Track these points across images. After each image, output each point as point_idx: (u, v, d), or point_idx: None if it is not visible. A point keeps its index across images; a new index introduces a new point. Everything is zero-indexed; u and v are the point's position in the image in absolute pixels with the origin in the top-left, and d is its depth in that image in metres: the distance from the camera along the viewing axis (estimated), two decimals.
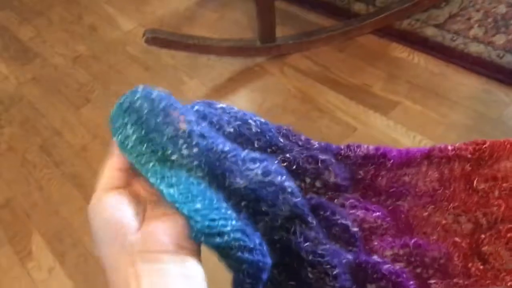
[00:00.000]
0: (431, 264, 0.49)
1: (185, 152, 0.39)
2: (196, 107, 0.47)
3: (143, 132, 0.39)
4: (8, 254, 1.21)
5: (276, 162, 0.45)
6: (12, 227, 1.27)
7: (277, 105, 1.37)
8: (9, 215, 1.30)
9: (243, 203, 0.40)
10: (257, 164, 0.41)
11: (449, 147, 0.55)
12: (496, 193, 0.54)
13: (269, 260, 0.39)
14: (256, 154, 0.43)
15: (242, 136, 0.48)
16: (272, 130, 0.52)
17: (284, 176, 0.43)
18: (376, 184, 0.54)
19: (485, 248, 0.51)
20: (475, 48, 1.32)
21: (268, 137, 0.50)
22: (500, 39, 1.32)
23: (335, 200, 0.52)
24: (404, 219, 0.53)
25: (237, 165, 0.41)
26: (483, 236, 0.51)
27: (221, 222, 0.36)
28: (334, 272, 0.43)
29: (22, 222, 1.27)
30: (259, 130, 0.49)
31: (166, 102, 0.41)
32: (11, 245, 1.23)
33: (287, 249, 0.44)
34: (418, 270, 0.49)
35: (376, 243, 0.50)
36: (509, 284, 0.48)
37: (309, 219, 0.45)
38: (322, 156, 0.52)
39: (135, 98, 0.41)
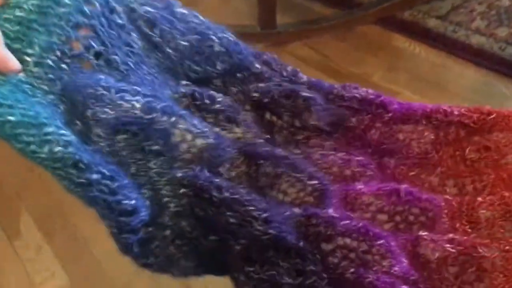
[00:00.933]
0: (418, 217, 0.44)
1: (49, 62, 0.37)
2: (146, 8, 0.41)
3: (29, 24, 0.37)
4: None
5: (171, 100, 0.40)
6: (1, 206, 1.25)
7: None
8: None
9: (118, 137, 0.37)
10: (137, 97, 0.37)
11: (455, 112, 0.50)
12: (483, 163, 0.51)
13: (125, 198, 0.35)
14: (143, 89, 0.38)
15: (200, 54, 0.43)
16: (244, 51, 0.46)
17: (176, 118, 0.38)
18: (367, 137, 0.48)
19: (482, 212, 0.47)
20: (477, 40, 1.30)
21: (237, 59, 0.45)
22: (502, 32, 1.31)
23: (311, 140, 0.46)
24: (390, 174, 0.48)
25: (110, 94, 0.37)
26: (480, 199, 0.47)
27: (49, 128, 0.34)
28: (264, 215, 0.37)
29: (12, 201, 1.25)
30: (223, 50, 0.44)
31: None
32: None
33: (197, 196, 0.38)
34: (402, 226, 0.44)
35: (359, 187, 0.44)
36: (506, 248, 0.46)
37: (224, 167, 0.40)
38: (305, 93, 0.46)
39: None
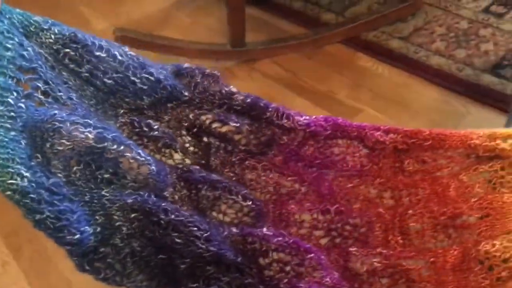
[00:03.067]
0: (351, 233, 0.48)
1: (10, 101, 0.39)
2: (68, 51, 0.44)
3: None
4: None
5: (117, 130, 0.43)
6: None
7: None
8: None
9: (74, 168, 0.41)
10: (89, 129, 0.41)
11: (389, 139, 0.53)
12: (420, 176, 0.53)
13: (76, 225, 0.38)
14: (93, 121, 0.41)
15: (126, 89, 0.46)
16: (172, 83, 0.48)
17: (123, 147, 0.42)
18: (301, 152, 0.51)
19: (412, 224, 0.50)
20: (436, 61, 1.36)
21: (165, 92, 0.47)
22: (460, 53, 1.37)
23: (246, 161, 0.49)
24: (328, 186, 0.51)
25: (65, 127, 0.40)
26: (410, 211, 0.51)
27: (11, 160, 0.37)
28: (205, 235, 0.41)
29: None
30: (145, 87, 0.46)
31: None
32: None
33: (146, 219, 0.42)
34: (338, 240, 0.48)
35: (292, 207, 0.48)
36: (431, 260, 0.49)
37: (167, 191, 0.44)
38: (232, 123, 0.49)
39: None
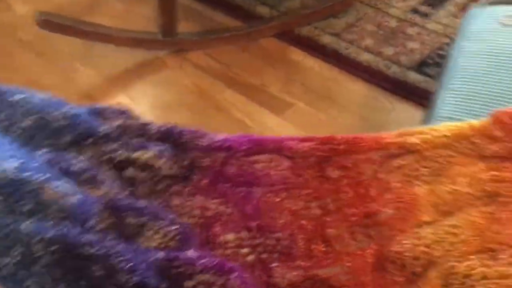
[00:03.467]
0: (275, 247, 0.49)
1: None
2: None
3: None
4: None
5: (40, 160, 0.44)
6: None
7: (173, 100, 1.35)
8: None
9: None
10: (11, 159, 0.41)
11: (305, 147, 0.55)
12: (345, 181, 0.56)
13: None
14: (14, 152, 0.42)
15: (44, 130, 0.47)
16: (83, 119, 0.49)
17: (45, 178, 0.42)
18: (226, 173, 0.53)
19: (329, 231, 0.52)
20: (365, 58, 1.39)
21: (80, 129, 0.49)
22: (389, 51, 1.40)
23: (172, 187, 0.50)
24: (255, 205, 0.52)
25: None
26: (328, 219, 0.53)
27: None
28: (129, 265, 0.41)
29: None
30: (64, 124, 0.48)
31: None
32: None
33: (67, 251, 0.41)
34: (264, 256, 0.49)
35: (217, 228, 0.49)
36: (347, 264, 0.50)
37: (93, 221, 0.44)
38: (152, 149, 0.50)
39: None
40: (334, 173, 0.56)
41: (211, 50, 1.47)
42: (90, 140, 0.50)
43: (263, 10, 1.57)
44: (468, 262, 0.48)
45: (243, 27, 1.48)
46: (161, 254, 0.44)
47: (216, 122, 1.28)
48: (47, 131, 0.47)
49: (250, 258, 0.48)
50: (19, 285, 0.41)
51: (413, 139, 0.59)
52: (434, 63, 1.36)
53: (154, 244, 0.46)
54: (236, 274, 0.44)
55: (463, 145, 0.59)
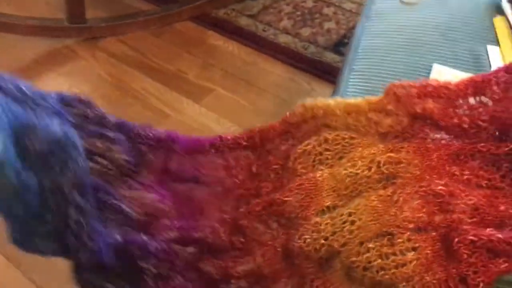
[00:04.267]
0: (202, 245, 0.52)
1: None
2: None
3: None
4: None
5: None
6: None
7: (87, 90, 1.27)
8: None
9: None
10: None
11: (229, 137, 0.59)
12: (272, 175, 0.58)
13: None
14: None
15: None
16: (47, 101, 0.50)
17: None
18: (170, 169, 0.56)
19: (241, 222, 0.54)
20: (283, 39, 1.38)
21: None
22: (306, 32, 1.40)
23: (128, 180, 0.54)
24: (195, 203, 0.56)
25: None
26: (241, 210, 0.55)
27: None
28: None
29: None
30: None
31: None
32: None
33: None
34: (191, 250, 0.52)
35: (156, 224, 0.52)
36: (261, 254, 0.53)
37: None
38: (110, 134, 0.53)
39: None
40: (260, 169, 0.58)
41: (124, 37, 1.40)
42: None
43: None
44: (367, 254, 0.49)
45: (157, 10, 1.43)
46: (120, 236, 0.49)
47: (133, 111, 1.22)
48: None
49: (190, 250, 0.52)
50: None
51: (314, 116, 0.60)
52: (349, 42, 1.37)
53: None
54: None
55: (361, 123, 0.59)
